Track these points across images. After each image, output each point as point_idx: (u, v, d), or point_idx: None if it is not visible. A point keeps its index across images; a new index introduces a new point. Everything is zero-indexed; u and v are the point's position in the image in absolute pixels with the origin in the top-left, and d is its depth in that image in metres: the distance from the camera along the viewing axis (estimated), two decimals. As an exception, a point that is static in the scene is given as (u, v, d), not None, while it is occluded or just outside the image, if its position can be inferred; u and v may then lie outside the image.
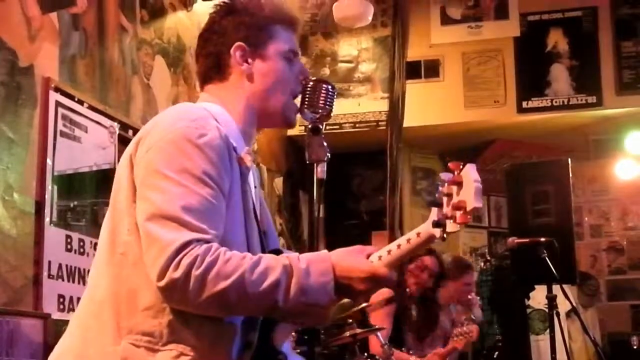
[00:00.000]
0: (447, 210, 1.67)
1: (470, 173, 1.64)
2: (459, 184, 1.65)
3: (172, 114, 1.83)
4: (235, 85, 1.96)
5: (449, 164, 1.69)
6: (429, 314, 4.90)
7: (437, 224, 1.68)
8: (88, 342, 1.77)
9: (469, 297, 5.21)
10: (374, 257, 1.79)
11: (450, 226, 1.67)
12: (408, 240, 1.77)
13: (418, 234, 1.75)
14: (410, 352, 4.76)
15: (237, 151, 1.83)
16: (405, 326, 4.85)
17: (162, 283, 1.63)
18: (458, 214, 1.64)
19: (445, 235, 1.69)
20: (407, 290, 4.80)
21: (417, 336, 4.87)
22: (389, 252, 1.78)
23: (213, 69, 1.99)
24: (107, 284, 1.78)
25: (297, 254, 1.77)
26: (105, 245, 1.82)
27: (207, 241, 1.66)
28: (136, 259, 1.73)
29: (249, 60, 1.97)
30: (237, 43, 1.96)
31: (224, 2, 2.04)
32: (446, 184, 1.68)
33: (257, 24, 1.99)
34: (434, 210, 1.71)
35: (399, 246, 1.78)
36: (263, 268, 1.68)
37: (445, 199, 1.68)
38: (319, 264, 1.73)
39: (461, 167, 1.67)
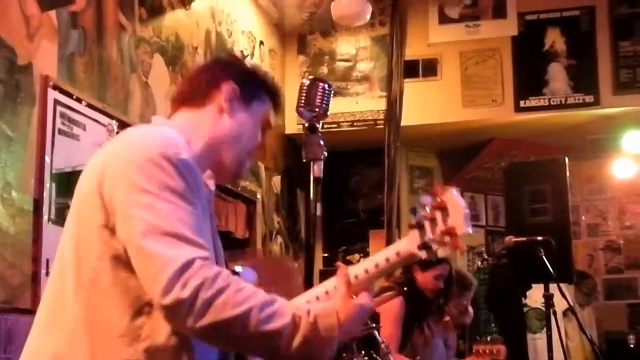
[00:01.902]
0: (434, 235, 1.68)
1: (455, 199, 1.66)
2: (443, 209, 1.67)
3: (142, 135, 1.79)
4: (206, 118, 1.94)
5: (432, 188, 1.71)
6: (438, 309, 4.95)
7: (424, 246, 1.70)
8: None
9: (465, 311, 5.27)
10: (350, 274, 1.79)
11: (442, 251, 1.68)
12: (387, 260, 1.77)
13: (397, 254, 1.76)
14: (418, 358, 4.77)
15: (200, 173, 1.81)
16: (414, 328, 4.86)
17: (167, 301, 1.57)
18: (448, 239, 1.66)
19: (434, 258, 1.70)
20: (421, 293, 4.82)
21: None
22: (366, 271, 1.79)
23: (194, 93, 1.97)
24: (75, 312, 1.72)
25: (306, 306, 1.74)
26: (70, 272, 1.75)
27: (207, 257, 1.63)
28: (107, 286, 1.69)
29: (233, 104, 1.95)
30: (231, 82, 1.95)
31: (235, 54, 2.06)
32: (428, 208, 1.70)
33: (253, 81, 2.01)
34: (415, 232, 1.72)
35: (376, 265, 1.78)
36: (273, 310, 1.64)
37: (428, 223, 1.69)
38: (326, 319, 1.70)
39: (442, 191, 1.69)
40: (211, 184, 1.86)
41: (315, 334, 1.67)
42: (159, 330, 1.68)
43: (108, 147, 1.82)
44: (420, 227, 1.70)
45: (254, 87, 2.01)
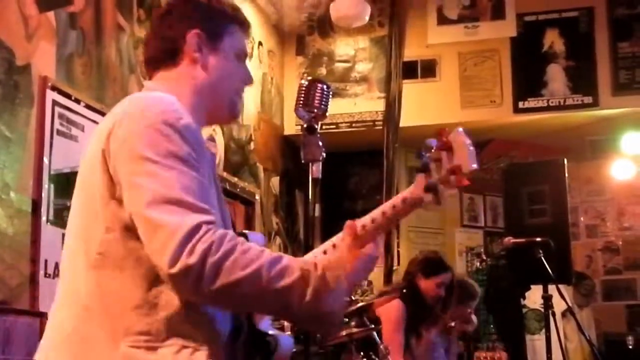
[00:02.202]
0: (439, 175, 1.64)
1: (460, 136, 1.62)
2: (449, 149, 1.62)
3: (143, 102, 1.79)
4: (184, 73, 1.94)
5: (437, 130, 1.66)
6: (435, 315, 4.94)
7: (429, 188, 1.66)
8: (84, 349, 1.70)
9: (469, 319, 5.28)
10: (357, 224, 1.80)
11: (447, 191, 1.65)
12: (393, 207, 1.75)
13: (404, 200, 1.74)
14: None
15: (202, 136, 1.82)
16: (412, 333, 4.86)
17: (175, 269, 1.56)
18: (453, 178, 1.62)
19: (441, 200, 1.67)
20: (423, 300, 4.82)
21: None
22: (372, 220, 1.78)
23: (165, 52, 1.96)
24: (89, 287, 1.72)
25: (313, 259, 1.75)
26: (79, 247, 1.76)
27: (213, 222, 1.62)
28: (119, 258, 1.69)
29: (203, 50, 1.95)
30: (195, 30, 1.95)
31: None
32: (434, 149, 1.67)
33: (216, 17, 1.99)
34: (421, 176, 1.68)
35: (383, 213, 1.77)
36: (282, 267, 1.64)
37: (433, 165, 1.66)
38: (334, 271, 1.71)
39: (448, 131, 1.64)
40: (212, 147, 1.85)
41: (325, 287, 1.67)
42: (175, 298, 1.68)
43: (109, 118, 1.82)
44: (426, 169, 1.67)
45: (218, 22, 1.99)
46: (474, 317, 5.32)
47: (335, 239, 1.85)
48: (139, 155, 1.67)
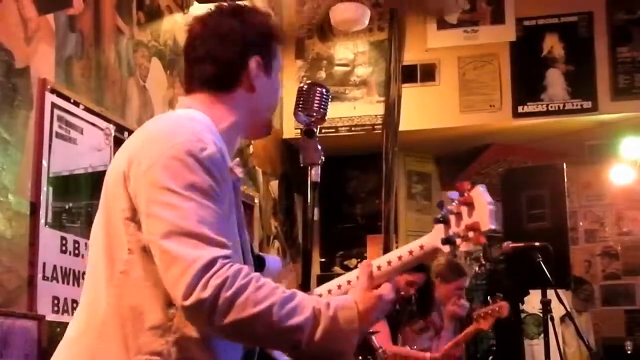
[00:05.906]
0: (458, 229, 1.69)
1: (481, 195, 1.68)
2: (469, 205, 1.68)
3: (167, 128, 1.78)
4: (238, 100, 1.92)
5: (457, 184, 1.72)
6: (425, 306, 4.91)
7: (447, 241, 1.71)
8: None
9: (459, 302, 5.18)
10: (373, 265, 1.80)
11: (464, 245, 1.69)
12: (410, 252, 1.78)
13: (421, 247, 1.77)
14: (414, 348, 4.77)
15: (227, 163, 1.81)
16: (401, 324, 4.85)
17: (188, 302, 1.59)
18: (472, 234, 1.66)
19: (457, 252, 1.72)
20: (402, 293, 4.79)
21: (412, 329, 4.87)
22: (388, 262, 1.79)
23: (219, 77, 1.92)
24: (108, 303, 1.75)
25: (324, 299, 1.75)
26: (102, 262, 1.78)
27: (228, 256, 1.63)
28: (139, 278, 1.71)
29: (260, 76, 1.94)
30: (256, 57, 1.92)
31: (230, 4, 1.99)
32: (455, 203, 1.70)
33: (269, 41, 1.98)
34: (440, 226, 1.73)
35: (399, 257, 1.79)
36: (294, 305, 1.65)
37: (453, 218, 1.71)
38: (346, 312, 1.71)
39: (469, 187, 1.69)
40: (238, 172, 1.85)
41: (335, 327, 1.68)
42: (188, 324, 1.70)
43: (133, 139, 1.83)
44: (445, 221, 1.72)
45: (271, 46, 1.98)
46: (464, 301, 5.23)
47: (349, 276, 1.86)
48: (160, 185, 1.68)
